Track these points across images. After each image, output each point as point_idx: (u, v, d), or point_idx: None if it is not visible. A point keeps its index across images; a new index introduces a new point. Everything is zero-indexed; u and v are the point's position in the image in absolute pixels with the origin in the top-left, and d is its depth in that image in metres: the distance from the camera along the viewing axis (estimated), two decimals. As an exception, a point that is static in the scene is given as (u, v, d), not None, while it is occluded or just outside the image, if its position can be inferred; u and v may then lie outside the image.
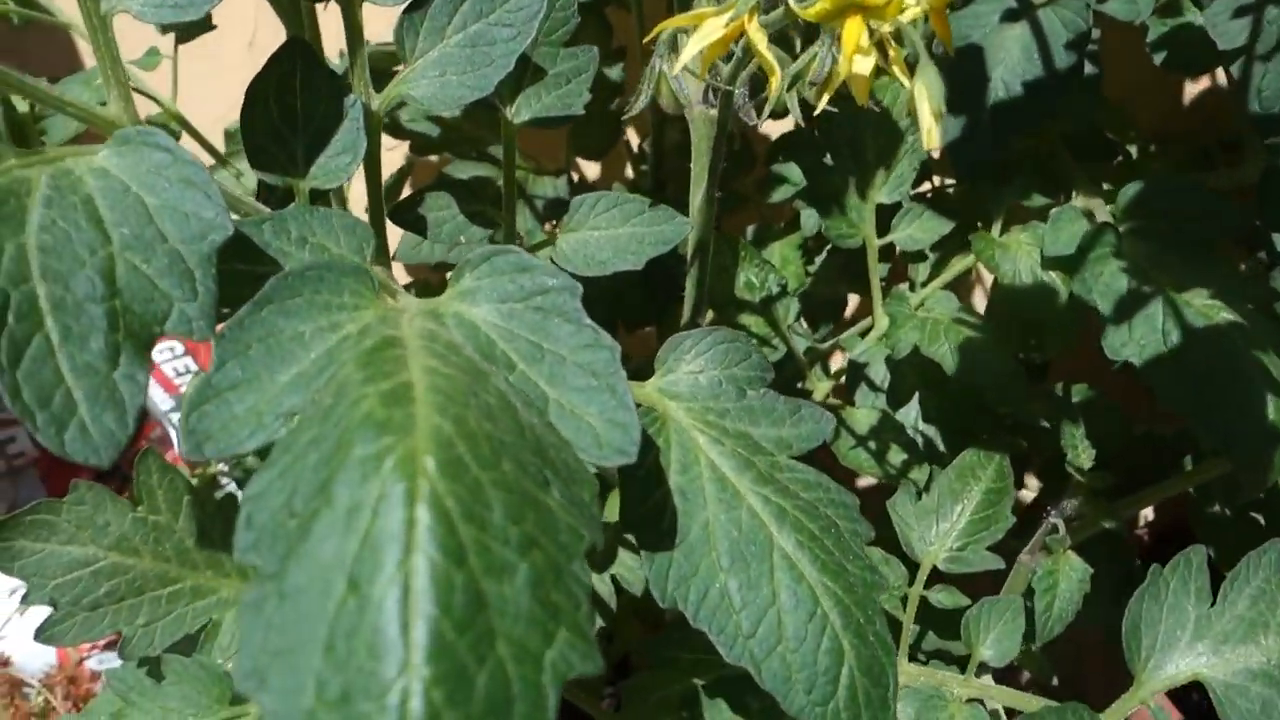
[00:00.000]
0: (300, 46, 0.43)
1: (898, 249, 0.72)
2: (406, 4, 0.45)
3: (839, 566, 0.40)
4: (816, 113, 0.44)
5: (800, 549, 0.39)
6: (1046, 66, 0.66)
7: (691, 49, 0.37)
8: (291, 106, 0.43)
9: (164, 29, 0.79)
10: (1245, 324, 0.53)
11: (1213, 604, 0.43)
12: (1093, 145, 0.79)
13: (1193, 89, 0.91)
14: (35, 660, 0.95)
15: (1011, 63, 0.67)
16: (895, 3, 0.32)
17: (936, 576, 0.53)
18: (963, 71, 0.68)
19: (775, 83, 0.38)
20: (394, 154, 0.87)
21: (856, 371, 0.68)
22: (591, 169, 1.09)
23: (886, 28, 0.35)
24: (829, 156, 0.69)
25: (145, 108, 0.98)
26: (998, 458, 0.56)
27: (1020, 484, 0.91)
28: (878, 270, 0.70)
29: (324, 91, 0.43)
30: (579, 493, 0.30)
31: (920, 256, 0.71)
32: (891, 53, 0.37)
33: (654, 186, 0.93)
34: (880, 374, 0.68)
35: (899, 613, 0.55)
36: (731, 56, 0.46)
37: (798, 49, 0.43)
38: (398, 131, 0.86)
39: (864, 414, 0.66)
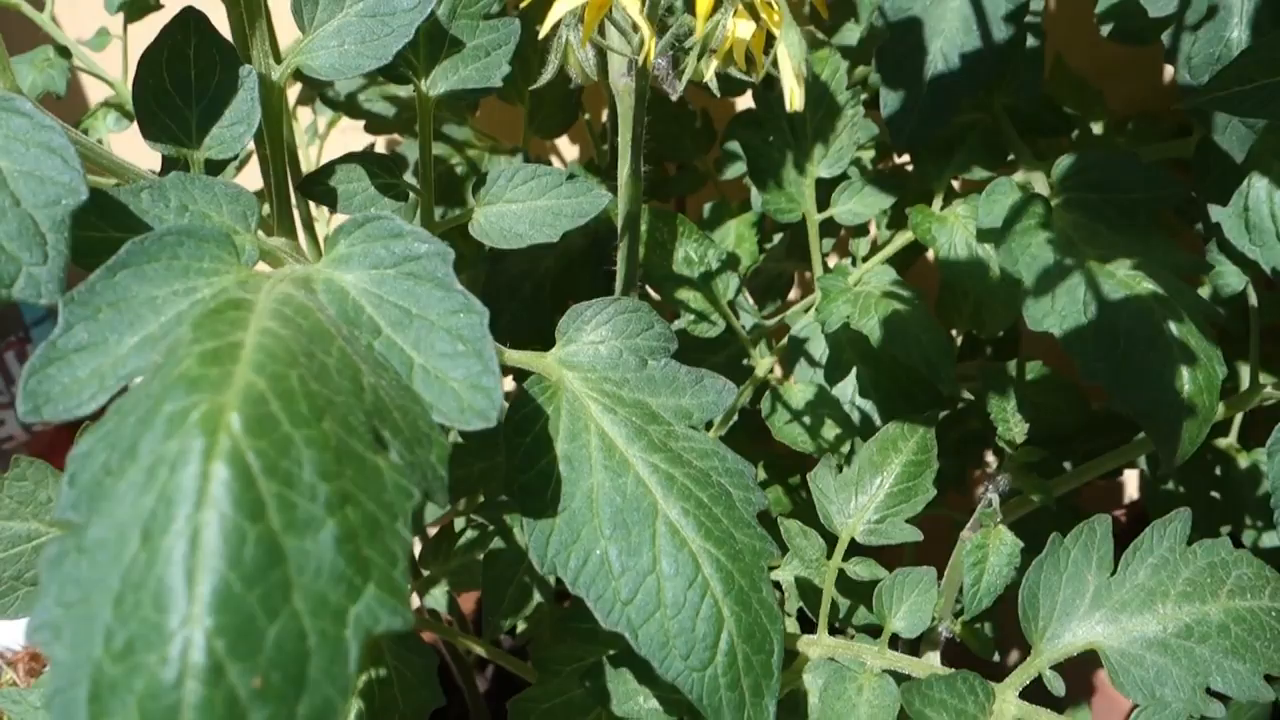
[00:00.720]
0: (194, 16, 0.43)
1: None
2: (307, -26, 0.45)
3: (725, 534, 0.40)
4: (706, 79, 0.44)
5: (685, 516, 0.39)
6: (985, 39, 0.66)
7: (555, 14, 0.37)
8: (185, 76, 0.43)
9: (115, 8, 0.79)
10: (1166, 295, 0.52)
11: (1114, 573, 0.43)
12: (1045, 119, 0.79)
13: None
14: (12, 637, 0.96)
15: (950, 35, 0.66)
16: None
17: (858, 549, 0.53)
18: (901, 44, 0.67)
19: (698, 35, 0.38)
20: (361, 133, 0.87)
21: (796, 347, 0.68)
22: (570, 150, 1.09)
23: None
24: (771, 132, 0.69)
25: (97, 89, 0.98)
26: (921, 430, 0.55)
27: (979, 461, 0.91)
28: (819, 245, 0.70)
29: (218, 61, 0.43)
30: (424, 455, 0.30)
31: (863, 231, 0.71)
32: (770, 15, 0.36)
33: (612, 163, 0.92)
34: (820, 349, 0.68)
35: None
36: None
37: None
38: (354, 110, 0.86)
39: (800, 389, 0.66)
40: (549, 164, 0.95)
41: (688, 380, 0.44)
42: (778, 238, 0.84)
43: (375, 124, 0.85)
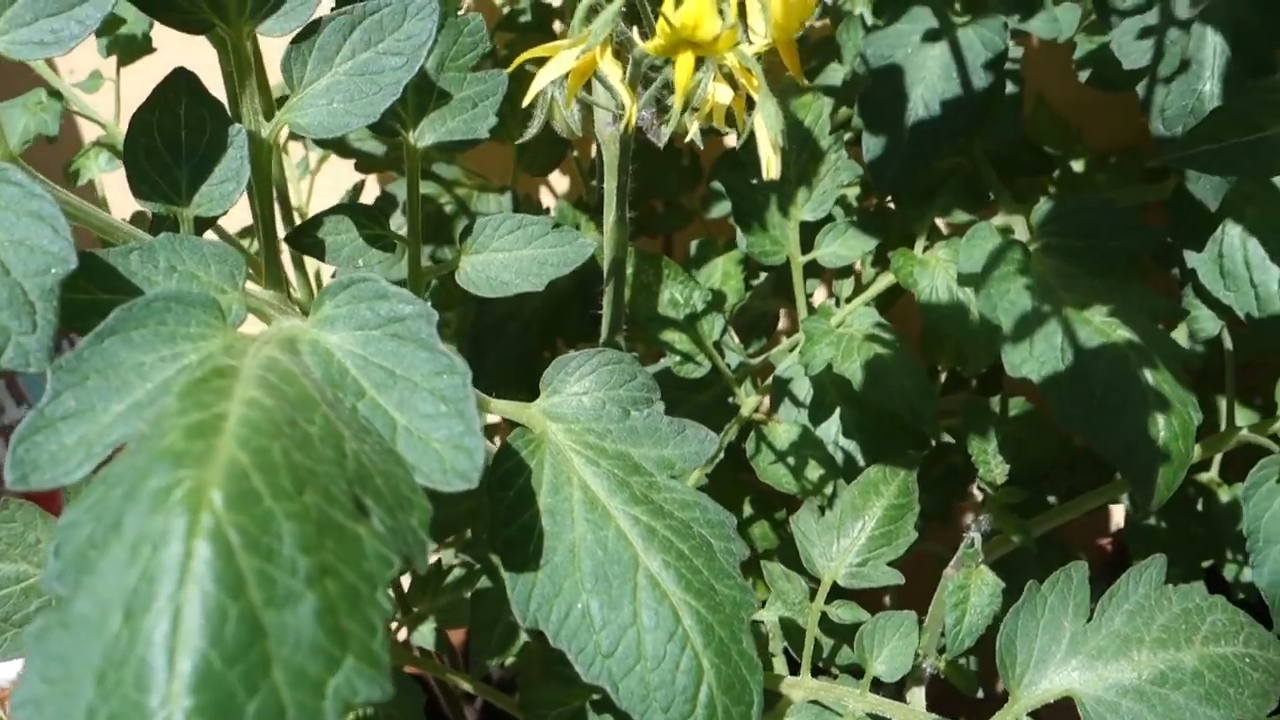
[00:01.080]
0: (184, 75, 0.44)
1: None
2: (296, 34, 0.46)
3: (706, 586, 0.40)
4: (688, 138, 0.45)
5: (666, 568, 0.40)
6: (965, 85, 0.67)
7: (540, 81, 0.38)
8: (175, 135, 0.43)
9: (107, 52, 0.80)
10: (1141, 342, 0.53)
11: (1089, 619, 0.44)
12: (1025, 160, 0.80)
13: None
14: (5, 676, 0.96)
15: (931, 81, 0.68)
16: (723, 41, 0.33)
17: (841, 591, 0.54)
18: (883, 91, 0.69)
19: (677, 105, 0.39)
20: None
21: (781, 387, 0.69)
22: (561, 182, 1.10)
23: (731, 60, 0.35)
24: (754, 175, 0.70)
25: (90, 130, 0.99)
26: (902, 474, 0.56)
27: (964, 495, 0.92)
28: (803, 286, 0.70)
29: (208, 120, 0.44)
30: (405, 519, 0.31)
31: (847, 272, 0.72)
32: (749, 82, 0.37)
33: (601, 201, 0.93)
34: (804, 390, 0.68)
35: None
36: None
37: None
38: (344, 150, 0.87)
39: (785, 429, 0.66)
40: (538, 201, 0.96)
41: (670, 431, 0.45)
42: (764, 275, 0.85)
43: (365, 163, 0.86)
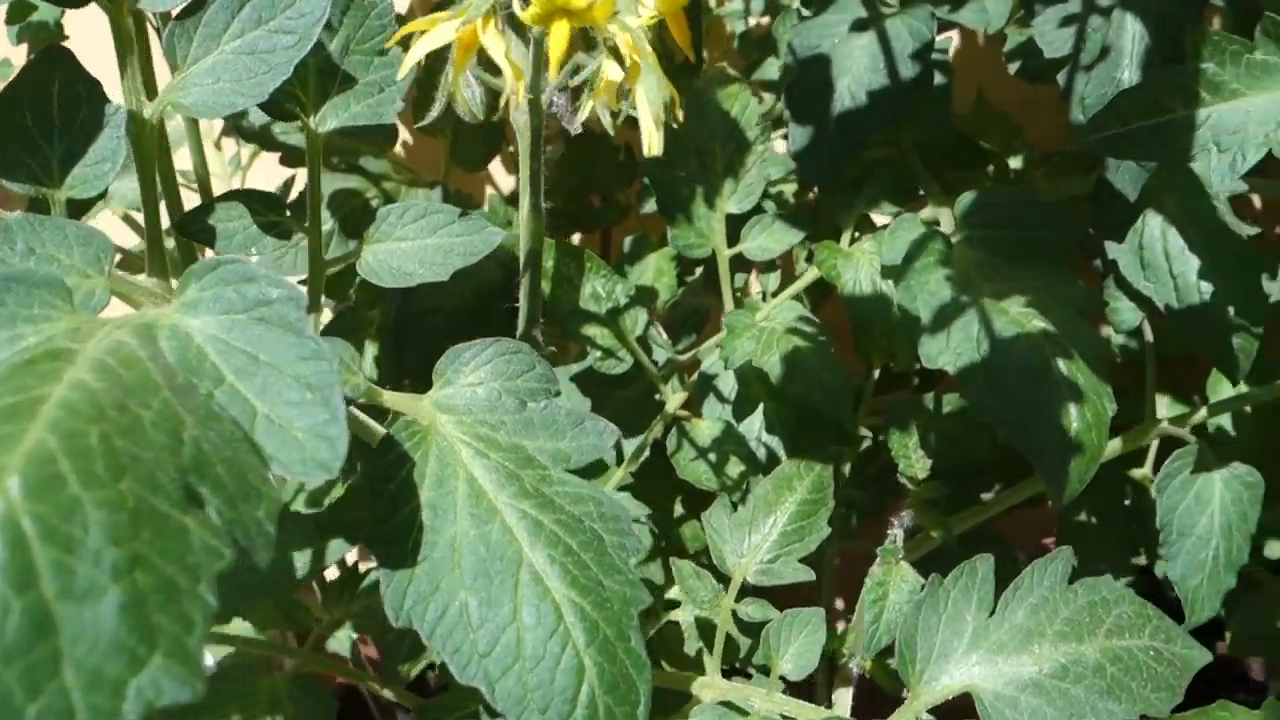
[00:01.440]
0: (59, 52, 0.42)
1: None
2: (180, 10, 0.44)
3: (593, 582, 0.39)
4: (579, 121, 0.43)
5: (551, 564, 0.39)
6: (892, 76, 0.66)
7: (414, 55, 0.36)
8: (47, 113, 0.42)
9: (17, 39, 0.78)
10: (1056, 332, 0.53)
11: (993, 613, 0.43)
12: (960, 154, 0.79)
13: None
14: None
15: (857, 72, 0.67)
16: (598, 9, 0.32)
17: (752, 589, 0.53)
18: (809, 81, 0.68)
19: (551, 76, 0.37)
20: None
21: (706, 383, 0.68)
22: (507, 181, 1.09)
23: (615, 30, 0.34)
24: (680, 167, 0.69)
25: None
26: (818, 468, 0.55)
27: (898, 493, 0.91)
28: (729, 280, 0.69)
29: (84, 98, 0.42)
30: (250, 510, 0.29)
31: (773, 266, 0.71)
32: (632, 60, 0.36)
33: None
34: (729, 385, 0.67)
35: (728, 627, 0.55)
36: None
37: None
38: (267, 143, 0.85)
39: (707, 425, 0.65)
40: (478, 196, 0.94)
41: (568, 423, 0.44)
42: (699, 271, 0.84)
43: (291, 156, 0.84)
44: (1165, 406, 0.79)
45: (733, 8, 0.93)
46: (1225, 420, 0.76)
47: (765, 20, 0.93)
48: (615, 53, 0.35)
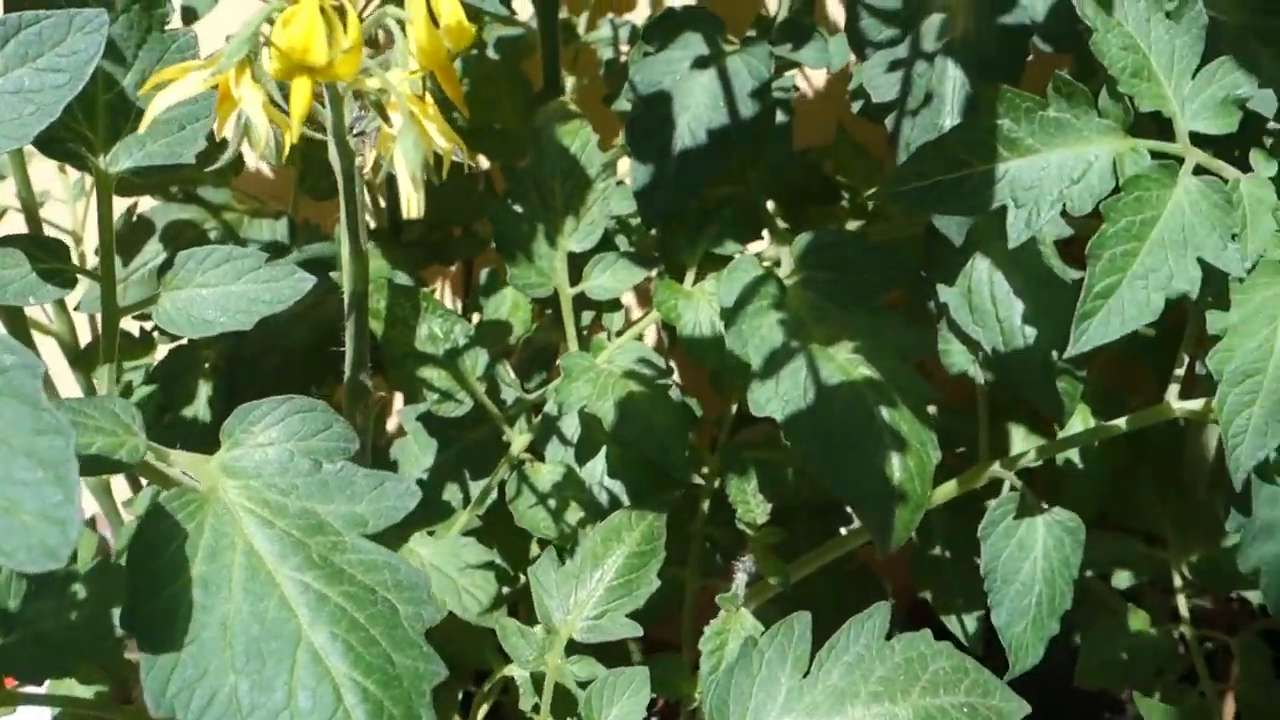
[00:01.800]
0: None
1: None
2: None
3: (381, 658, 0.37)
4: (367, 169, 0.41)
5: (333, 641, 0.36)
6: (732, 114, 0.66)
7: (157, 106, 0.34)
8: None
9: None
10: (881, 379, 0.52)
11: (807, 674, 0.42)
12: (813, 189, 0.80)
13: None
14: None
15: (698, 110, 0.66)
16: (340, 66, 0.30)
17: (580, 646, 0.51)
18: (651, 118, 0.67)
19: (294, 130, 0.35)
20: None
21: (549, 425, 0.66)
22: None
23: (374, 84, 0.32)
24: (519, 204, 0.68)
25: None
26: (649, 518, 0.54)
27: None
28: (572, 320, 0.68)
29: None
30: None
31: (616, 305, 0.70)
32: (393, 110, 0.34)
33: (390, 228, 0.90)
34: (573, 427, 0.66)
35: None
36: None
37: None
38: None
39: (549, 470, 0.64)
40: (327, 226, 0.91)
41: (366, 485, 0.42)
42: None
43: (125, 186, 0.80)
44: (1021, 438, 0.80)
45: (600, 35, 0.92)
46: (1074, 453, 0.77)
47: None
48: (380, 108, 0.34)
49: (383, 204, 0.90)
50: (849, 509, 0.52)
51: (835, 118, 0.87)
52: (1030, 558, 0.52)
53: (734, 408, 0.78)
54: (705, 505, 0.73)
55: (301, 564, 0.38)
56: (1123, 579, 0.83)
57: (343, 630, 0.37)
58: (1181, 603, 0.77)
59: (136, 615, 0.35)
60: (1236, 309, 0.43)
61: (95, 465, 0.39)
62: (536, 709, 0.56)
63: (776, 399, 0.53)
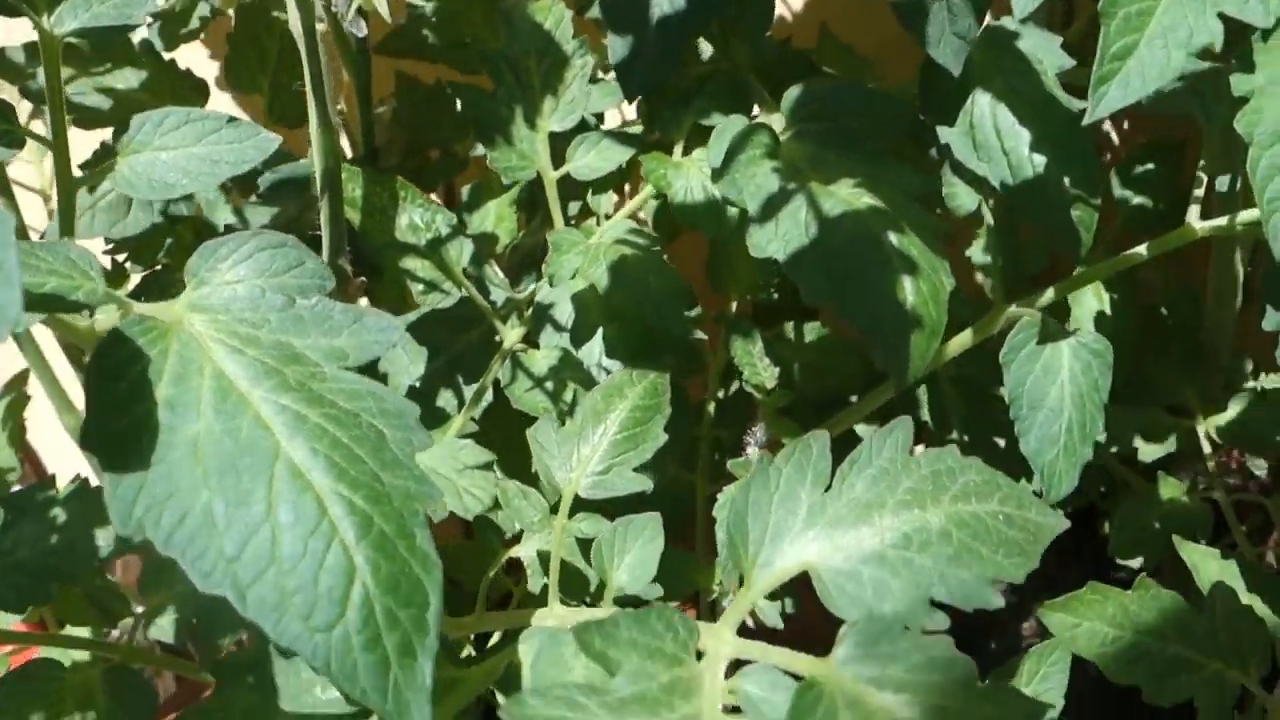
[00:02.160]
0: None
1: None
2: None
3: (368, 475, 0.34)
4: (351, 14, 0.39)
5: (314, 456, 0.34)
6: (710, -23, 0.63)
7: None
8: None
9: None
10: (886, 208, 0.50)
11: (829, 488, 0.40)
12: (798, 69, 0.77)
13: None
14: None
15: (675, -26, 0.63)
16: None
17: (584, 505, 0.48)
18: (628, -12, 0.64)
19: None
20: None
21: (542, 313, 0.63)
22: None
23: None
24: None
25: None
26: (651, 375, 0.51)
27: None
28: (557, 201, 0.65)
29: None
30: None
31: (604, 185, 0.67)
32: None
33: (367, 155, 0.87)
34: (566, 313, 0.63)
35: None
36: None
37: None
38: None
39: (544, 354, 0.61)
40: (299, 155, 0.89)
41: (344, 320, 0.39)
42: (540, 214, 0.80)
43: (87, 118, 0.77)
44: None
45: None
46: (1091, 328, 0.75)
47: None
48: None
49: (358, 136, 0.87)
50: (861, 339, 0.49)
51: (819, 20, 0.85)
52: (1057, 382, 0.49)
53: (734, 305, 0.76)
54: (711, 409, 0.70)
55: (276, 387, 0.35)
56: (1150, 453, 0.80)
57: (324, 447, 0.34)
58: (1212, 469, 0.74)
59: (98, 437, 0.32)
60: (1262, 69, 0.40)
61: (49, 303, 0.36)
62: (546, 591, 0.53)
63: (777, 239, 0.50)
